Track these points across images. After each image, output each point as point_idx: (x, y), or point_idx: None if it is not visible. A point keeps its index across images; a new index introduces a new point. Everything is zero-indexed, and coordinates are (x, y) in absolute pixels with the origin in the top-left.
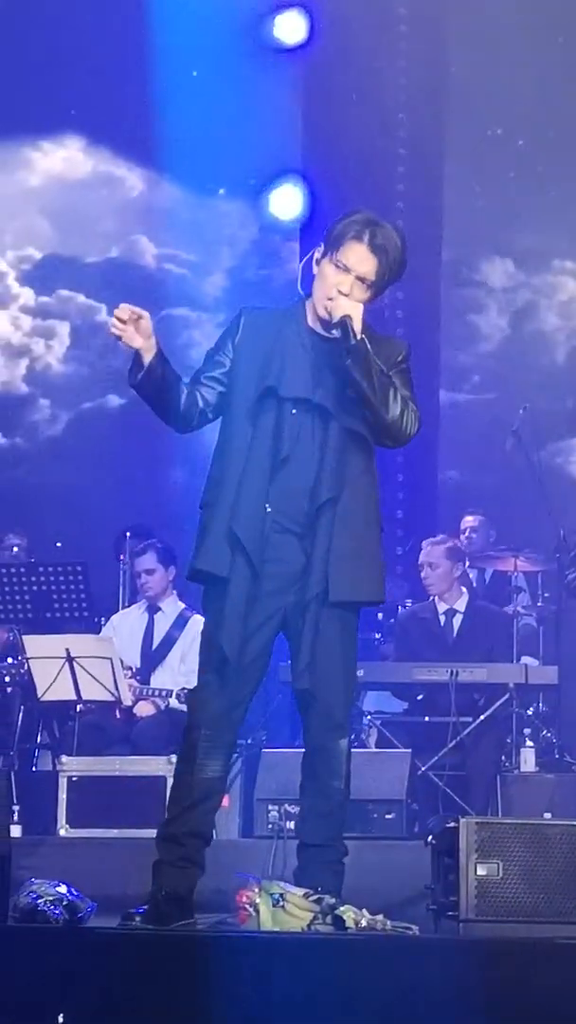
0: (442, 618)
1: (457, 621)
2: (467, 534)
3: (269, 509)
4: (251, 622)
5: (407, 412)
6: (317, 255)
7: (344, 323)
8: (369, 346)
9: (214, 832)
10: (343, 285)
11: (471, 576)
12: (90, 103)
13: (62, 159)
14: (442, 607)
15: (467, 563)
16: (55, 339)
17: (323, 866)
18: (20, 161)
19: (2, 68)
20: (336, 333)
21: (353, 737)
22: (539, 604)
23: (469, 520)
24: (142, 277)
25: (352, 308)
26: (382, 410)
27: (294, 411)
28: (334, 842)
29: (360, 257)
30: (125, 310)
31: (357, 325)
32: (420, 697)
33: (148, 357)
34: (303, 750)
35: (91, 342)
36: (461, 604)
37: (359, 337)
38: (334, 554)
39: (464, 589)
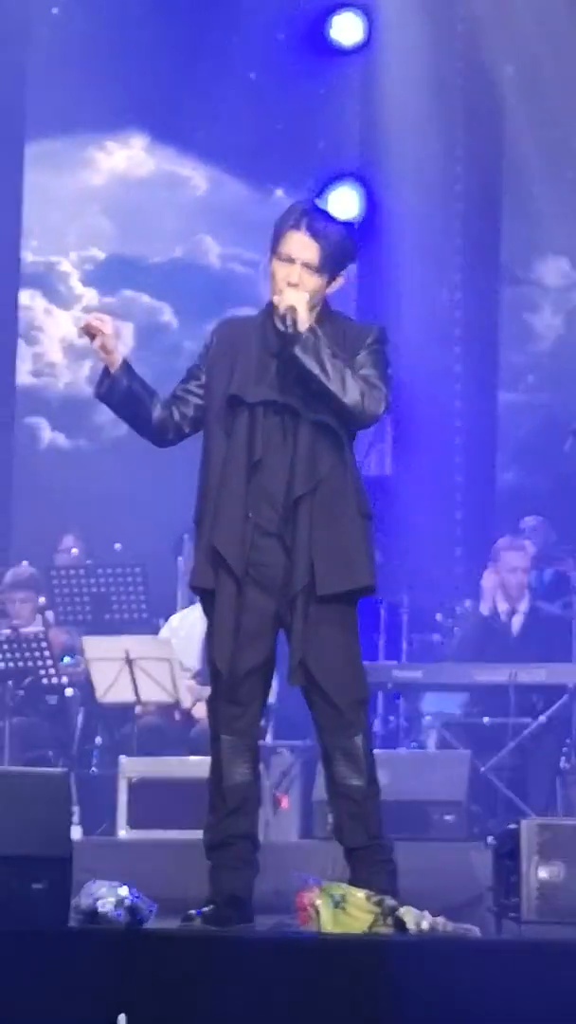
0: (503, 618)
1: (517, 622)
2: (527, 535)
3: (251, 516)
4: (246, 630)
5: (368, 394)
6: (267, 259)
7: (285, 315)
8: (318, 333)
9: (272, 835)
10: (291, 276)
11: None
12: (153, 103)
13: (126, 158)
14: (503, 607)
15: None
16: (118, 340)
17: (372, 867)
18: (83, 161)
19: (66, 68)
20: (287, 328)
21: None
22: None
23: (529, 521)
24: (206, 277)
25: (296, 298)
26: (340, 395)
27: (263, 415)
28: (375, 841)
29: (300, 244)
30: (101, 317)
31: (302, 315)
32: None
33: (112, 371)
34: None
35: (155, 343)
36: (522, 605)
37: (305, 326)
38: (316, 548)
39: (527, 591)
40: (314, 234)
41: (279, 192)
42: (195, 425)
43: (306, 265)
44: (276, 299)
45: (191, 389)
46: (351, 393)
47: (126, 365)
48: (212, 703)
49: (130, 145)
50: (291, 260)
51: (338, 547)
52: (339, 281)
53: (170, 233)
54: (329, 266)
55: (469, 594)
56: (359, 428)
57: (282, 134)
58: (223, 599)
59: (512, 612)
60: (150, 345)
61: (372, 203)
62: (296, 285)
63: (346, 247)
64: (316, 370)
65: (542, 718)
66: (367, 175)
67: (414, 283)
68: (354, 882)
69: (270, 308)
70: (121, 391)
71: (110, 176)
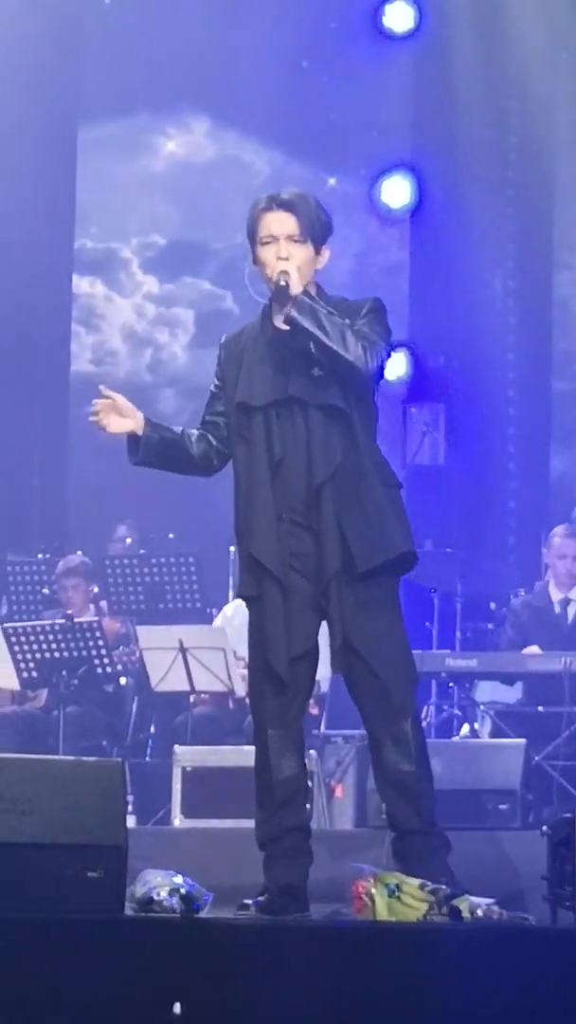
0: (556, 607)
1: (572, 610)
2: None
3: (283, 517)
4: (288, 622)
5: (369, 349)
6: (251, 256)
7: (279, 281)
8: (313, 295)
9: (327, 823)
10: (280, 251)
11: None
12: (211, 88)
13: (187, 143)
14: (556, 595)
15: None
16: (180, 327)
17: (425, 853)
18: (143, 145)
19: (121, 52)
20: (278, 300)
21: (467, 727)
22: None
23: None
24: None
25: (287, 265)
26: (341, 350)
27: (276, 415)
28: (428, 827)
29: (278, 220)
30: (97, 402)
31: (294, 276)
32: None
33: (140, 432)
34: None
35: (215, 330)
36: (575, 593)
37: (298, 289)
38: (347, 529)
39: None
40: (286, 207)
41: (332, 181)
42: (230, 445)
43: (289, 237)
44: (268, 273)
45: (217, 410)
46: (352, 348)
47: (147, 421)
48: (256, 698)
49: (191, 130)
50: (274, 238)
51: (369, 522)
52: (325, 255)
53: (232, 218)
54: (311, 234)
55: (522, 583)
56: (363, 383)
57: (334, 123)
58: (270, 602)
59: (567, 601)
60: (211, 332)
61: (424, 192)
62: (286, 259)
63: (320, 214)
64: (314, 328)
65: None
66: (419, 164)
67: (467, 272)
68: (406, 868)
69: (266, 310)
70: (154, 446)
71: (170, 161)
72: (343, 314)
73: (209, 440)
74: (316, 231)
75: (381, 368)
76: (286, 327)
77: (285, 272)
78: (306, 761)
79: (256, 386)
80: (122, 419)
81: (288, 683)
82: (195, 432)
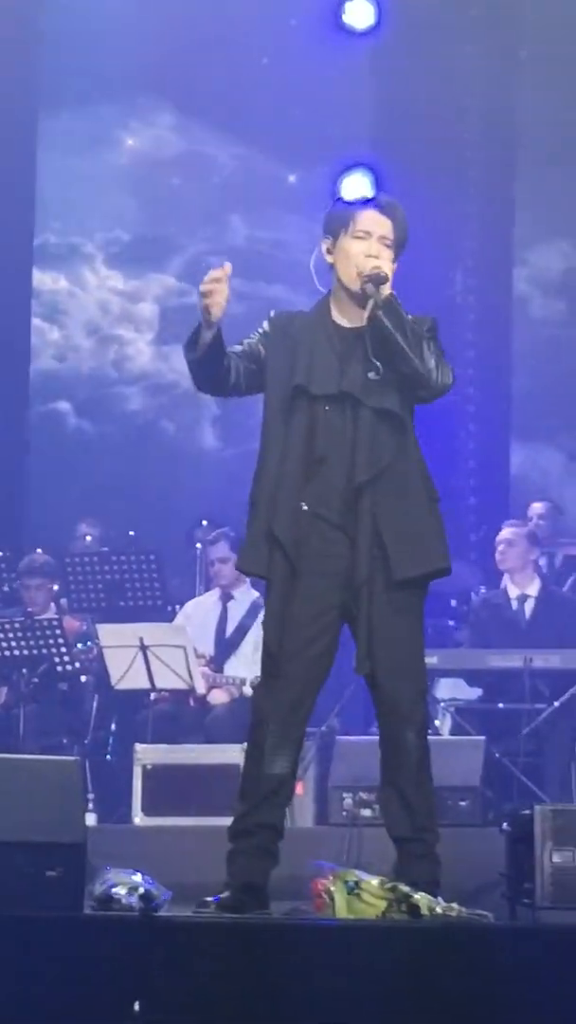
0: (514, 603)
1: (529, 606)
2: (535, 520)
3: (305, 508)
4: (303, 620)
5: (442, 365)
6: (327, 246)
7: (376, 275)
8: (398, 300)
9: (288, 821)
10: (371, 249)
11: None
12: (174, 83)
13: (151, 137)
14: (514, 592)
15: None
16: (144, 324)
17: (413, 860)
18: (105, 140)
19: (82, 46)
20: (369, 289)
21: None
22: None
23: (537, 507)
24: (232, 258)
25: (385, 265)
26: (416, 360)
27: (327, 408)
28: (421, 833)
29: (375, 219)
30: (216, 273)
31: (388, 281)
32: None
33: (211, 332)
34: (377, 738)
35: (181, 327)
36: (533, 590)
37: (388, 291)
38: (388, 534)
39: (537, 576)
40: (385, 211)
41: (292, 178)
42: (248, 387)
43: (382, 239)
44: (358, 267)
45: (250, 355)
46: (428, 360)
47: (219, 335)
48: (260, 688)
49: (153, 124)
50: (368, 234)
51: (411, 531)
52: (394, 267)
53: (195, 213)
54: (397, 244)
55: (483, 580)
56: (429, 397)
57: (295, 120)
58: (276, 585)
59: (524, 598)
60: (176, 329)
61: (383, 189)
62: (376, 257)
63: (406, 228)
64: (398, 333)
65: (556, 703)
66: (378, 161)
67: (426, 269)
68: (397, 871)
69: (326, 302)
70: (214, 355)
71: (133, 155)
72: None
73: (232, 368)
74: (400, 243)
75: (448, 387)
76: (349, 323)
77: (381, 269)
78: None
79: (316, 375)
80: (222, 307)
81: (291, 678)
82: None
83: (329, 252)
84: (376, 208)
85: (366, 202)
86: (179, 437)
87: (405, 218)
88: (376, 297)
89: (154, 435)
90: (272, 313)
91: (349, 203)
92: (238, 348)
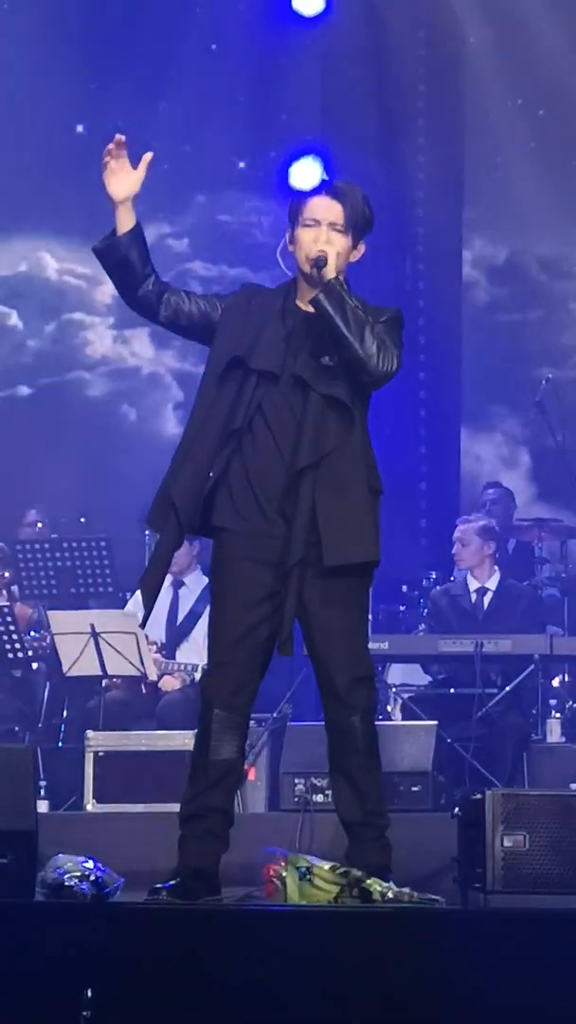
0: (473, 596)
1: (488, 599)
2: (487, 507)
3: (212, 475)
4: (243, 605)
5: (384, 351)
6: (288, 235)
7: (319, 258)
8: (344, 284)
9: (239, 806)
10: (320, 237)
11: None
12: (123, 69)
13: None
14: (473, 584)
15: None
16: (103, 308)
17: (365, 844)
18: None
19: (35, 35)
20: (315, 273)
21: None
22: (563, 575)
23: (490, 493)
24: (194, 240)
25: (329, 248)
26: (356, 343)
27: (258, 385)
28: (371, 818)
29: (324, 206)
30: (112, 148)
31: (332, 261)
32: (442, 676)
33: (122, 227)
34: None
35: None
36: (492, 582)
37: (333, 274)
38: (323, 519)
39: (496, 568)
40: (336, 195)
41: (242, 164)
42: (189, 328)
43: (332, 225)
44: (304, 253)
45: (200, 302)
46: (368, 345)
47: (133, 234)
48: (205, 678)
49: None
50: (317, 222)
51: (346, 519)
52: (360, 249)
53: (144, 199)
54: (352, 227)
55: (434, 566)
56: (370, 382)
57: (243, 106)
58: (164, 542)
59: (483, 591)
60: (134, 314)
61: (333, 175)
62: (327, 243)
63: (365, 211)
64: (337, 316)
65: (508, 688)
66: (328, 147)
67: (376, 254)
68: (349, 856)
69: (293, 285)
70: (136, 241)
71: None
72: (367, 313)
73: (164, 298)
74: (358, 224)
75: (390, 374)
76: (310, 308)
77: (324, 252)
78: None
79: (260, 350)
80: (126, 185)
81: (233, 663)
82: (157, 281)
83: (291, 241)
84: (327, 194)
85: (316, 189)
86: (140, 423)
87: (363, 199)
88: (319, 279)
89: (114, 421)
90: (243, 284)
91: (303, 193)
92: (200, 291)
